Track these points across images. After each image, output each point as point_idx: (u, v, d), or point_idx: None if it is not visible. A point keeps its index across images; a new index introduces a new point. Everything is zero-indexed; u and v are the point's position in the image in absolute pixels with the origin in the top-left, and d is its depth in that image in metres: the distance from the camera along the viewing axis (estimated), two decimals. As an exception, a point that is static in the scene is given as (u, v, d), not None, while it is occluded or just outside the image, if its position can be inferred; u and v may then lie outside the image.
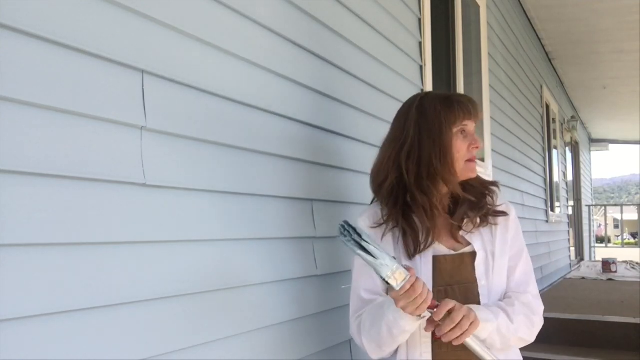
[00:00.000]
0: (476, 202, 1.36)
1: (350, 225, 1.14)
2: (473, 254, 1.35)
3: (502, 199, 1.45)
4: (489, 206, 1.38)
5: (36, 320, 0.92)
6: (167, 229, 1.18)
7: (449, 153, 1.31)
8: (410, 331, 1.24)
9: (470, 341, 1.19)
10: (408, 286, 1.11)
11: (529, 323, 1.31)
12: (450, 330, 1.16)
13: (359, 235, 1.13)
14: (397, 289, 1.12)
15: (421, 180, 1.31)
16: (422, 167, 1.32)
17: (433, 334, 1.24)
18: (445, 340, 1.17)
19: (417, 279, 1.13)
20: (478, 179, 1.40)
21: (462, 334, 1.16)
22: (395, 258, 1.15)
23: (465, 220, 1.36)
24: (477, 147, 1.33)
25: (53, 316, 0.94)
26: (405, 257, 1.34)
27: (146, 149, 1.14)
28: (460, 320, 1.16)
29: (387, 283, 1.13)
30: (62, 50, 0.99)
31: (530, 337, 1.33)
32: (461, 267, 1.33)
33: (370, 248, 1.12)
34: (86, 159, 1.02)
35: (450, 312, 1.16)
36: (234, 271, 1.37)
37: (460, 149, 1.33)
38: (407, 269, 1.14)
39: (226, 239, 1.35)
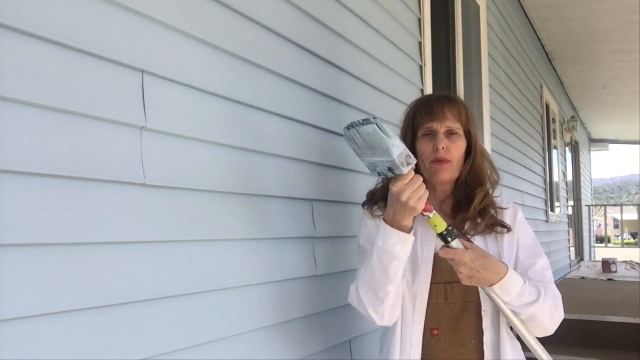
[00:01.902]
0: (472, 208, 1.38)
1: (357, 121, 1.17)
2: None
3: (507, 202, 1.45)
4: (493, 217, 1.39)
5: (36, 320, 0.92)
6: (167, 229, 1.18)
7: (416, 156, 1.40)
8: (399, 256, 1.23)
9: (490, 292, 1.24)
10: (412, 175, 1.17)
11: (554, 311, 1.30)
12: (461, 273, 1.21)
13: (369, 120, 1.15)
14: (405, 172, 1.17)
15: None
16: None
17: (431, 330, 1.32)
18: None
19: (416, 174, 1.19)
20: (488, 196, 1.41)
21: (473, 277, 1.21)
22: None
23: (468, 224, 1.37)
24: (437, 149, 1.35)
25: (53, 316, 0.94)
26: None
27: (146, 149, 1.14)
28: (471, 269, 1.20)
29: (393, 173, 1.17)
30: (62, 50, 0.99)
31: (552, 325, 1.31)
32: None
33: (384, 127, 1.14)
34: (86, 159, 1.02)
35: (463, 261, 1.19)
36: (234, 271, 1.37)
37: (424, 151, 1.38)
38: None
39: (226, 239, 1.35)
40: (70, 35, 1.00)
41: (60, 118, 0.98)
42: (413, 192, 1.17)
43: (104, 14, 1.07)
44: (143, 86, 1.14)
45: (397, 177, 1.18)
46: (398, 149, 1.14)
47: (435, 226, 1.22)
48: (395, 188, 1.18)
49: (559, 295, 1.35)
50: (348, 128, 1.19)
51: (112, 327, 1.04)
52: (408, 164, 1.17)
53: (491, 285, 1.22)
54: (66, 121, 0.99)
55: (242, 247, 1.40)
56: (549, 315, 1.29)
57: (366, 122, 1.15)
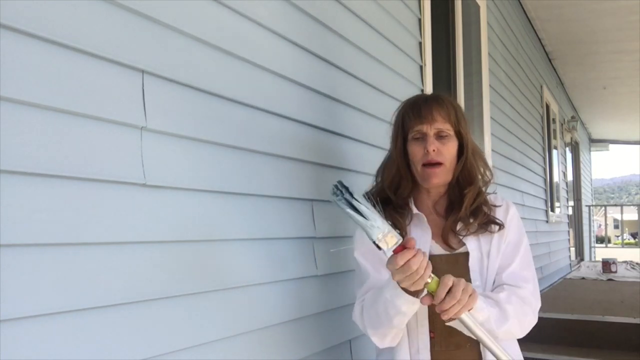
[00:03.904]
0: (466, 209, 1.37)
1: (343, 185, 1.10)
2: (467, 254, 1.35)
3: (501, 199, 1.46)
4: (487, 215, 1.38)
5: (36, 320, 0.92)
6: (167, 229, 1.18)
7: (406, 160, 1.40)
8: (406, 313, 1.20)
9: (465, 316, 1.16)
10: (401, 262, 1.07)
11: (522, 319, 1.29)
12: (451, 307, 1.12)
13: (351, 195, 1.08)
14: (387, 254, 1.09)
15: (391, 184, 1.42)
16: (391, 171, 1.43)
17: (430, 331, 1.30)
18: (445, 317, 1.13)
19: (416, 252, 1.09)
20: (480, 194, 1.40)
21: (461, 308, 1.13)
22: (388, 222, 1.10)
23: (460, 225, 1.37)
24: (427, 151, 1.34)
25: (53, 316, 0.94)
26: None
27: (146, 149, 1.14)
28: (461, 296, 1.12)
29: (379, 247, 1.09)
30: (62, 50, 0.99)
31: (521, 333, 1.32)
32: (455, 267, 1.34)
33: (362, 208, 1.07)
34: (86, 159, 1.02)
35: (450, 290, 1.12)
36: (234, 271, 1.37)
37: (415, 154, 1.37)
38: (408, 240, 1.10)
39: (226, 239, 1.35)
40: (70, 35, 1.00)
41: (60, 118, 0.98)
42: (405, 277, 1.10)
43: (104, 14, 1.07)
44: (143, 86, 1.14)
45: (389, 258, 1.10)
46: (378, 229, 1.08)
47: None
48: (389, 267, 1.11)
49: (532, 305, 1.33)
50: (333, 192, 1.11)
51: (112, 327, 1.04)
52: (393, 244, 1.09)
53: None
54: (66, 121, 0.99)
55: (242, 247, 1.40)
56: (517, 330, 1.29)
57: (346, 197, 1.08)
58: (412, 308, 1.20)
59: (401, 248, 1.10)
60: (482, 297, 1.24)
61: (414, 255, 1.09)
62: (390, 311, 1.21)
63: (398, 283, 1.13)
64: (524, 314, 1.30)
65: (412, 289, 1.13)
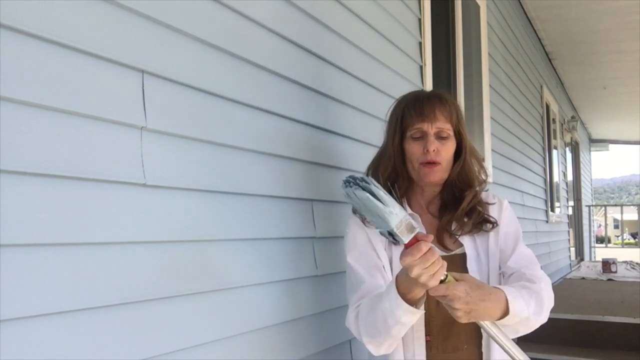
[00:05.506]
0: (459, 206, 1.36)
1: (354, 177, 1.07)
2: (464, 255, 1.35)
3: (493, 196, 1.45)
4: (481, 214, 1.37)
5: (36, 320, 0.92)
6: (167, 229, 1.18)
7: (402, 157, 1.38)
8: (405, 323, 1.17)
9: (486, 325, 1.15)
10: (420, 254, 1.04)
11: (546, 298, 1.26)
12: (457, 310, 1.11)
13: (366, 182, 1.05)
14: (405, 241, 1.04)
15: (387, 181, 1.34)
16: (387, 168, 1.39)
17: (426, 334, 1.31)
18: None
19: (431, 246, 1.06)
20: (476, 196, 1.39)
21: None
22: (405, 210, 1.07)
23: (455, 224, 1.37)
24: (427, 150, 1.32)
25: (53, 316, 0.94)
26: (389, 249, 1.36)
27: (146, 149, 1.14)
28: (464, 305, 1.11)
29: (394, 239, 1.05)
30: (62, 50, 0.99)
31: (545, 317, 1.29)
32: (452, 268, 1.32)
33: (380, 193, 1.03)
34: (86, 159, 1.02)
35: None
36: (234, 271, 1.37)
37: (413, 152, 1.35)
38: (426, 236, 1.07)
39: (226, 239, 1.35)
40: (70, 35, 1.00)
41: (60, 118, 0.98)
42: (424, 269, 1.05)
43: (104, 14, 1.07)
44: (143, 86, 1.14)
45: (405, 251, 1.05)
46: (397, 217, 1.03)
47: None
48: (404, 262, 1.05)
49: (548, 281, 1.31)
50: (345, 184, 1.08)
51: (112, 327, 1.04)
52: (410, 232, 1.05)
53: (498, 318, 1.15)
54: (66, 121, 0.99)
55: (242, 247, 1.40)
56: (547, 307, 1.27)
57: (362, 184, 1.05)
58: (412, 319, 1.17)
59: (415, 241, 1.06)
60: (522, 298, 1.19)
61: (431, 248, 1.06)
62: (389, 321, 1.17)
63: (416, 278, 1.06)
64: (549, 298, 1.27)
65: (431, 283, 1.08)
